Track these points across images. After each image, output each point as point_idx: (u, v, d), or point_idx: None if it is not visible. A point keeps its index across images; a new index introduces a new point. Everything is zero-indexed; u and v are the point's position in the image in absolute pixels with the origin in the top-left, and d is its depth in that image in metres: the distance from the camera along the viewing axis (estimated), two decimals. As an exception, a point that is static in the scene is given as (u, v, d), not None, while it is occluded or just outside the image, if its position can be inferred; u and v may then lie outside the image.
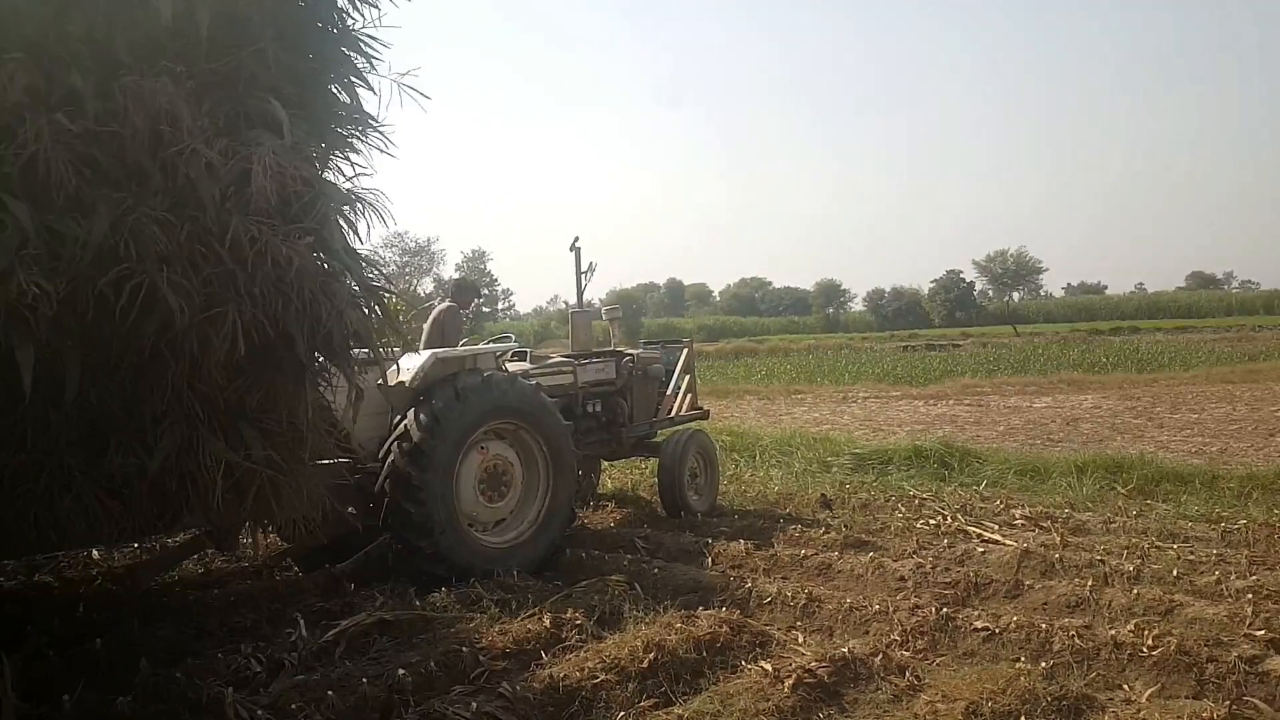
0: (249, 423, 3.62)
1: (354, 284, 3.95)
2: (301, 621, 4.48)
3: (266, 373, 3.59)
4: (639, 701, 3.81)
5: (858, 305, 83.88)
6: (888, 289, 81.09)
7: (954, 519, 6.89)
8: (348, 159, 4.20)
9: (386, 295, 4.66)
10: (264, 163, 3.26)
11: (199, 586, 5.91)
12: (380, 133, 4.24)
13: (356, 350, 4.06)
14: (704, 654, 4.24)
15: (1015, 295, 75.06)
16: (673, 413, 8.15)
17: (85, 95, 3.01)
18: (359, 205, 3.97)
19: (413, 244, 51.63)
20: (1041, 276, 76.96)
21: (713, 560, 6.14)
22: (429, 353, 5.87)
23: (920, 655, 4.41)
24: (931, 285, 77.68)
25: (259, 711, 3.50)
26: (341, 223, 3.87)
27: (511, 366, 6.91)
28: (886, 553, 6.07)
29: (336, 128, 4.13)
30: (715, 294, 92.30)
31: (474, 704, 3.59)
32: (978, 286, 75.18)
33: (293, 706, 3.60)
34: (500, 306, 65.22)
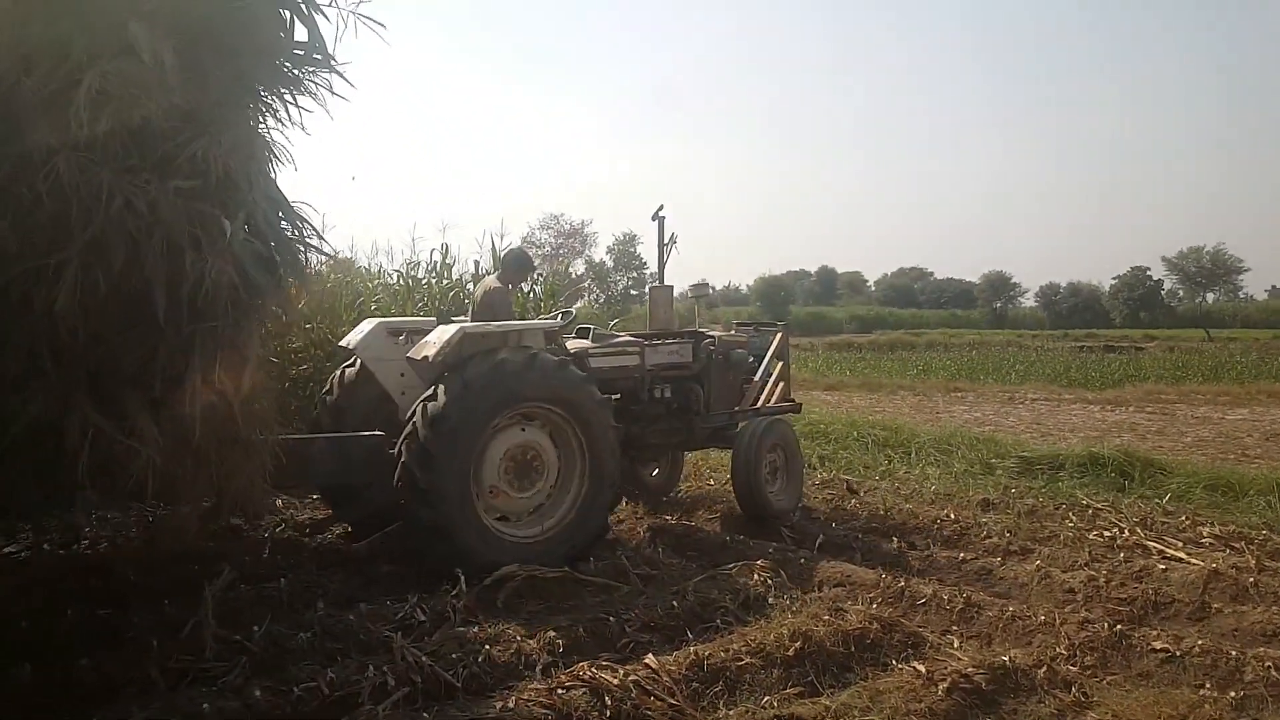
0: (133, 390, 3.27)
1: (262, 239, 3.61)
2: (462, 576, 4.70)
3: (140, 332, 3.21)
4: (784, 688, 3.78)
5: (1028, 300, 79.12)
6: (1063, 284, 76.07)
7: (1132, 532, 6.40)
8: (292, 101, 3.80)
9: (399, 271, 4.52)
10: (91, 89, 2.81)
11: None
12: (339, 73, 3.84)
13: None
14: (852, 649, 4.15)
15: (1209, 296, 68.57)
16: (759, 403, 7.24)
17: None
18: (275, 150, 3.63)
19: (567, 226, 52.94)
20: (1242, 277, 69.83)
21: (863, 555, 5.98)
22: (457, 325, 5.39)
23: (1089, 672, 4.14)
24: (1113, 282, 72.15)
25: (424, 658, 3.71)
26: (251, 171, 3.50)
27: (572, 345, 6.41)
28: (1054, 562, 5.72)
29: (284, 64, 3.75)
30: (870, 283, 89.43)
31: (621, 671, 3.66)
32: (1166, 285, 69.14)
33: (453, 656, 3.80)
34: (647, 289, 66.10)
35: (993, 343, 43.11)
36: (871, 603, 4.80)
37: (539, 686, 3.53)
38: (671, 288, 8.38)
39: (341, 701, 3.46)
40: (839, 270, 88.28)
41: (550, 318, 6.97)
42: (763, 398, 7.24)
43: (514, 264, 7.05)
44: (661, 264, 8.28)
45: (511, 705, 3.33)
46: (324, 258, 12.40)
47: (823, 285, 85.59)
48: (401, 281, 11.72)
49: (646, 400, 6.62)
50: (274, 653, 3.90)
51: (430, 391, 5.08)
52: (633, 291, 59.32)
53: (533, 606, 4.62)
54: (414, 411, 5.05)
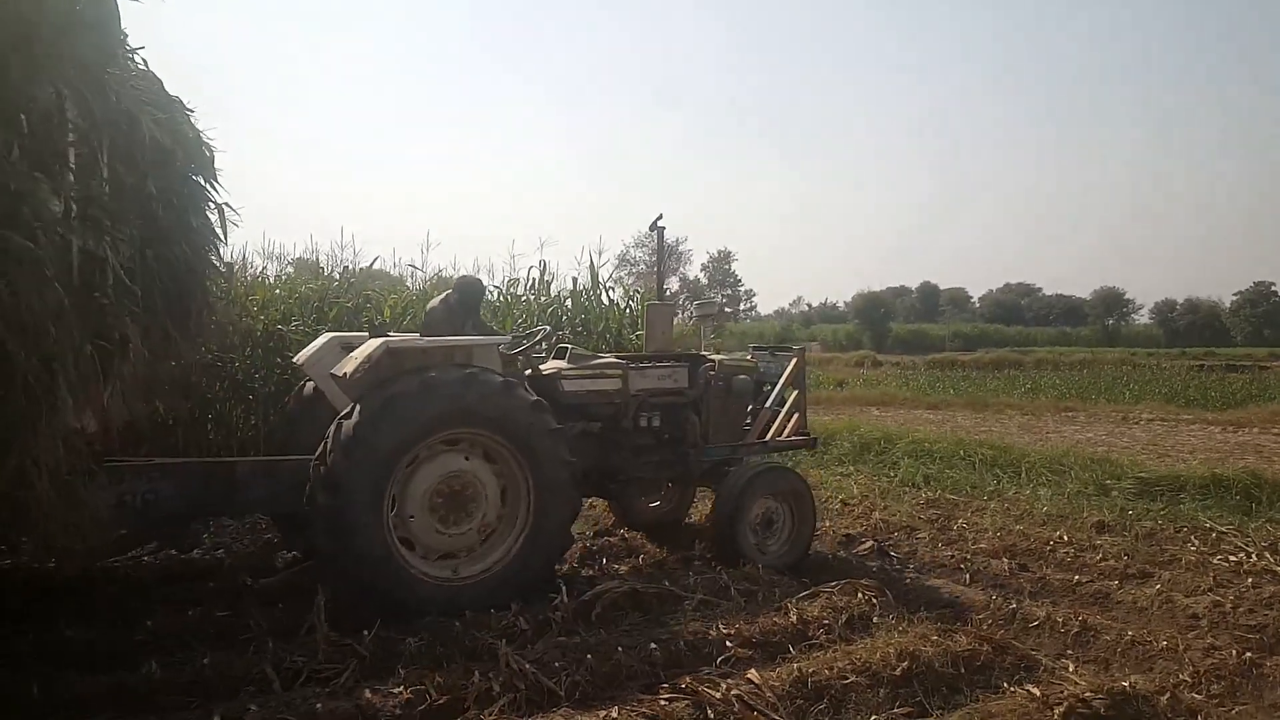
0: None
1: None
2: (564, 588, 4.75)
3: None
4: (891, 707, 3.68)
5: (1142, 317, 75.24)
6: (1180, 300, 72.12)
7: (1261, 558, 5.98)
8: None
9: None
10: None
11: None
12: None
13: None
14: (961, 670, 4.02)
15: (1345, 313, 63.75)
16: (768, 436, 6.42)
17: None
18: None
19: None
20: (1383, 294, 64.72)
21: (971, 577, 5.78)
22: (379, 340, 4.84)
23: (1216, 700, 3.90)
24: (1234, 298, 68.08)
25: (527, 665, 3.76)
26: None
27: (548, 366, 5.92)
28: (1176, 587, 5.41)
29: None
30: (974, 299, 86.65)
31: (724, 685, 3.62)
32: (1293, 301, 64.69)
33: (555, 664, 3.84)
34: (742, 308, 65.59)
35: (1104, 361, 41.02)
36: (981, 624, 4.64)
37: (642, 697, 3.53)
38: (672, 306, 7.80)
39: (448, 706, 3.55)
40: (941, 286, 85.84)
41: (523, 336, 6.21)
42: (773, 429, 6.43)
43: (464, 291, 6.53)
44: (660, 278, 7.96)
45: (615, 715, 3.35)
46: (426, 276, 12.97)
47: (924, 302, 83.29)
48: (501, 298, 12.03)
49: (631, 429, 5.94)
50: (383, 656, 4.02)
51: (347, 410, 4.56)
52: (727, 309, 59.24)
53: (632, 619, 4.62)
54: (329, 432, 4.55)
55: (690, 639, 4.23)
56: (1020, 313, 79.83)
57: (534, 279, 12.05)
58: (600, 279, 12.23)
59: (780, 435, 6.42)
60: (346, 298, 11.07)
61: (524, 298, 11.88)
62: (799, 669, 3.87)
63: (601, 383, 5.83)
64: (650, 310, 7.21)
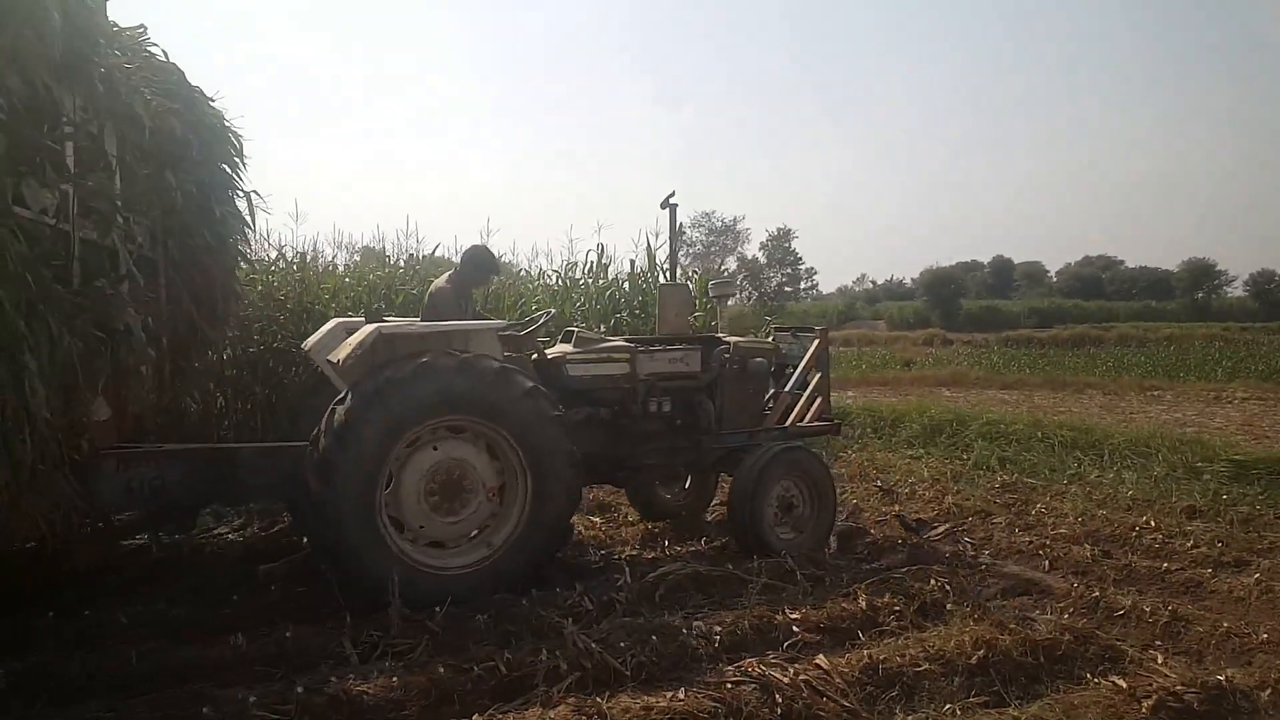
0: None
1: None
2: (627, 569, 4.76)
3: None
4: (967, 696, 3.58)
5: (1236, 290, 71.47)
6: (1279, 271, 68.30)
7: (1370, 546, 5.65)
8: None
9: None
10: None
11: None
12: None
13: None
14: (1041, 660, 3.89)
15: None
16: (788, 421, 6.18)
17: None
18: None
19: (719, 223, 52.70)
20: None
21: (1050, 564, 5.59)
22: (372, 326, 4.76)
23: (1323, 699, 3.67)
24: (1342, 267, 63.99)
25: (593, 644, 3.78)
26: None
27: (553, 351, 5.77)
28: (1276, 576, 5.13)
29: None
30: (1051, 274, 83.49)
31: (792, 670, 3.58)
32: (1406, 269, 60.71)
33: (621, 645, 3.85)
34: (802, 286, 64.47)
35: (1194, 336, 39.25)
36: (1062, 613, 4.48)
37: (708, 679, 3.51)
38: (685, 287, 7.47)
39: (518, 682, 3.58)
40: (1015, 260, 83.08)
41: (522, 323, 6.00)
42: (794, 414, 6.17)
43: (470, 263, 6.39)
44: (673, 257, 7.64)
45: (681, 697, 3.32)
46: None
47: (997, 277, 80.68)
48: (560, 282, 12.08)
49: (640, 415, 5.73)
50: (454, 633, 4.08)
51: (340, 396, 4.52)
52: (787, 288, 58.45)
53: (695, 601, 4.60)
54: (324, 418, 4.52)
55: (755, 623, 4.18)
56: (1101, 287, 76.66)
57: (592, 263, 12.07)
58: (657, 261, 12.19)
59: (801, 420, 6.17)
60: (412, 284, 11.29)
61: (581, 281, 11.92)
62: (869, 655, 3.79)
63: (608, 367, 5.66)
64: (662, 291, 6.97)
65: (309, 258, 11.13)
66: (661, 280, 10.51)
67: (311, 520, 4.48)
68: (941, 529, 6.46)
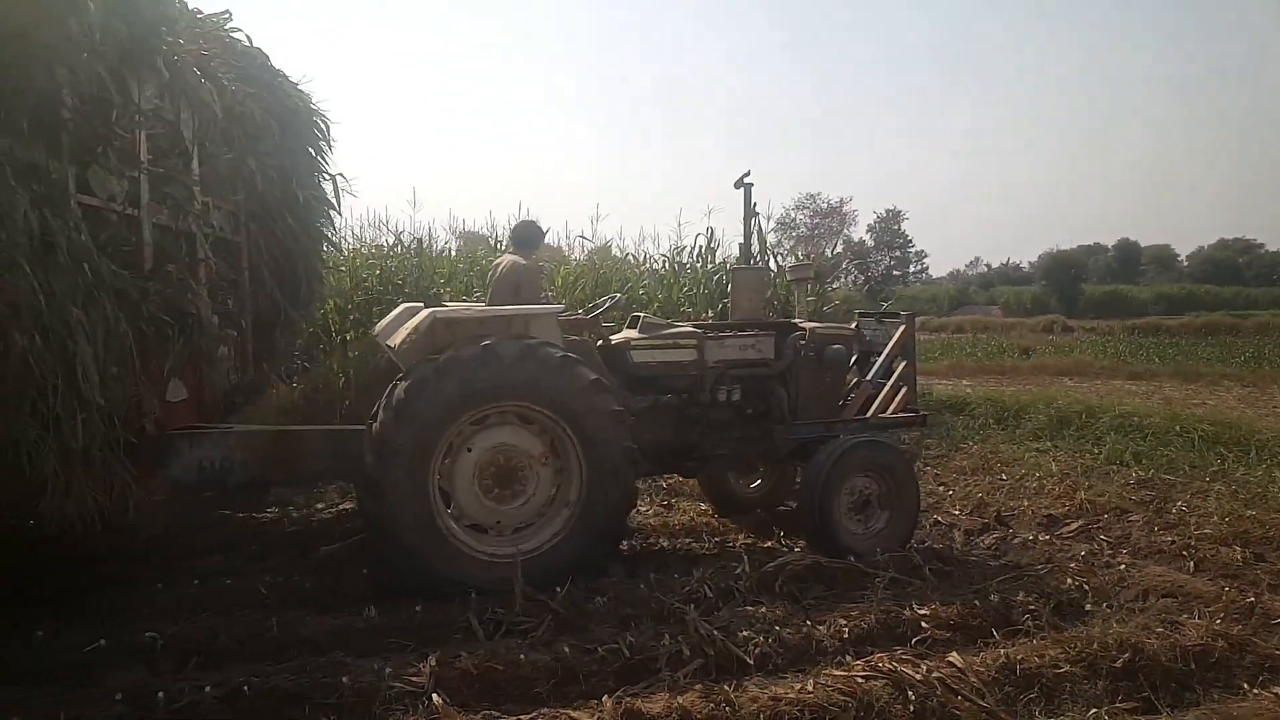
0: None
1: None
2: (745, 558, 4.71)
3: None
4: (1112, 701, 3.40)
5: (1401, 273, 65.43)
6: None
7: None
8: None
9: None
10: None
11: (652, 516, 6.54)
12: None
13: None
14: (1192, 666, 3.68)
15: None
16: (870, 411, 5.81)
17: None
18: None
19: (824, 205, 51.45)
20: None
21: (1196, 565, 5.24)
22: (428, 311, 4.73)
23: None
24: None
25: (715, 632, 3.76)
26: None
27: (618, 337, 5.60)
28: None
29: None
30: (1182, 258, 78.46)
31: (924, 667, 3.47)
32: None
33: (743, 634, 3.81)
34: (911, 269, 62.41)
35: (1345, 325, 36.21)
36: (1213, 618, 4.19)
37: (837, 673, 3.44)
38: (761, 270, 7.13)
39: (640, 665, 3.60)
40: (1142, 244, 78.36)
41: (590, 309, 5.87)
42: (875, 404, 5.81)
43: (538, 239, 6.44)
44: (748, 239, 7.28)
45: (810, 688, 3.27)
46: (595, 246, 13.17)
47: (1122, 261, 76.30)
48: (667, 266, 12.05)
49: (708, 403, 5.56)
50: (574, 614, 4.13)
51: (399, 376, 4.57)
52: (895, 272, 56.79)
53: (817, 592, 4.52)
54: (383, 397, 4.56)
55: (882, 617, 4.08)
56: (1238, 272, 71.58)
57: (700, 247, 12.00)
58: (767, 244, 12.02)
59: (884, 411, 5.79)
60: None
61: (689, 266, 11.86)
62: (1005, 655, 3.65)
63: (674, 353, 5.49)
64: (735, 275, 6.64)
65: (424, 243, 11.50)
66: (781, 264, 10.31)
67: (364, 497, 4.54)
68: (1074, 526, 6.15)
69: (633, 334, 5.57)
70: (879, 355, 5.96)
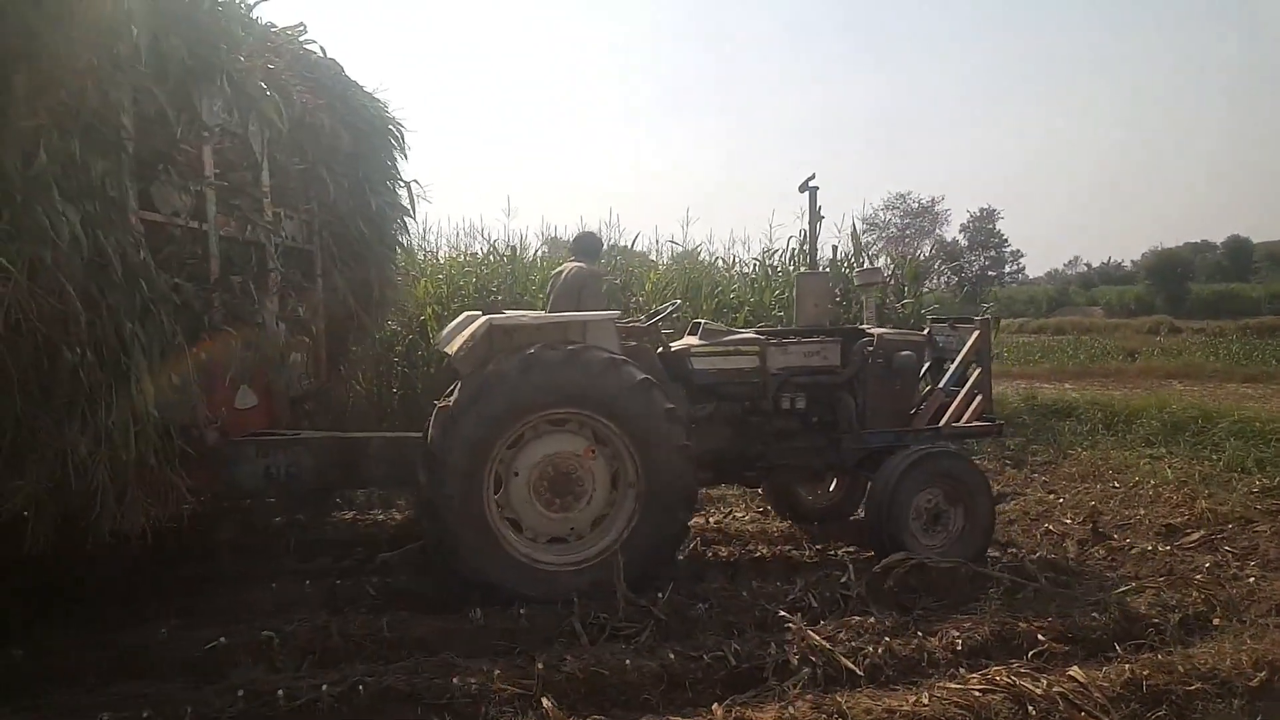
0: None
1: None
2: (851, 566, 4.62)
3: None
4: (1252, 722, 3.20)
5: None
6: None
7: None
8: None
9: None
10: None
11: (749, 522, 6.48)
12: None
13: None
14: (1338, 688, 3.41)
15: None
16: (942, 421, 5.58)
17: None
18: None
19: (915, 205, 50.11)
20: None
21: (1335, 579, 4.90)
22: (484, 318, 4.64)
23: None
24: None
25: (824, 641, 3.69)
26: None
27: (679, 344, 5.49)
28: None
29: None
30: (1301, 254, 73.68)
31: (1044, 681, 3.33)
32: None
33: (852, 644, 3.74)
34: (1007, 270, 60.16)
35: None
36: (1358, 636, 3.90)
37: (951, 685, 3.34)
38: (826, 275, 6.89)
39: (746, 674, 3.57)
40: (1254, 240, 73.93)
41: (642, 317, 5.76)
42: (949, 413, 5.58)
43: (589, 246, 6.57)
44: (812, 245, 7.04)
45: (925, 701, 3.19)
46: (684, 251, 13.20)
47: (1233, 259, 72.02)
48: (758, 270, 11.94)
49: (771, 411, 5.41)
50: (677, 620, 4.12)
51: (449, 390, 4.55)
52: (990, 273, 55.00)
53: (927, 603, 4.39)
54: (433, 411, 4.55)
55: (996, 629, 3.95)
56: (1366, 269, 66.87)
57: (793, 249, 11.84)
58: (864, 246, 11.79)
59: (958, 420, 5.56)
60: (613, 275, 11.54)
61: (781, 269, 11.72)
62: (1130, 670, 3.49)
63: (735, 360, 5.38)
64: (800, 280, 6.46)
65: (517, 250, 11.70)
66: (859, 268, 10.15)
67: (421, 512, 4.57)
68: (1196, 536, 5.82)
69: (693, 341, 5.51)
70: (952, 362, 5.76)
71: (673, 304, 5.91)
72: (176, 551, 5.06)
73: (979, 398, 5.62)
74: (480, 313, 4.99)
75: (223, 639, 3.88)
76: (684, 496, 4.62)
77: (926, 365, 5.92)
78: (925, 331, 6.11)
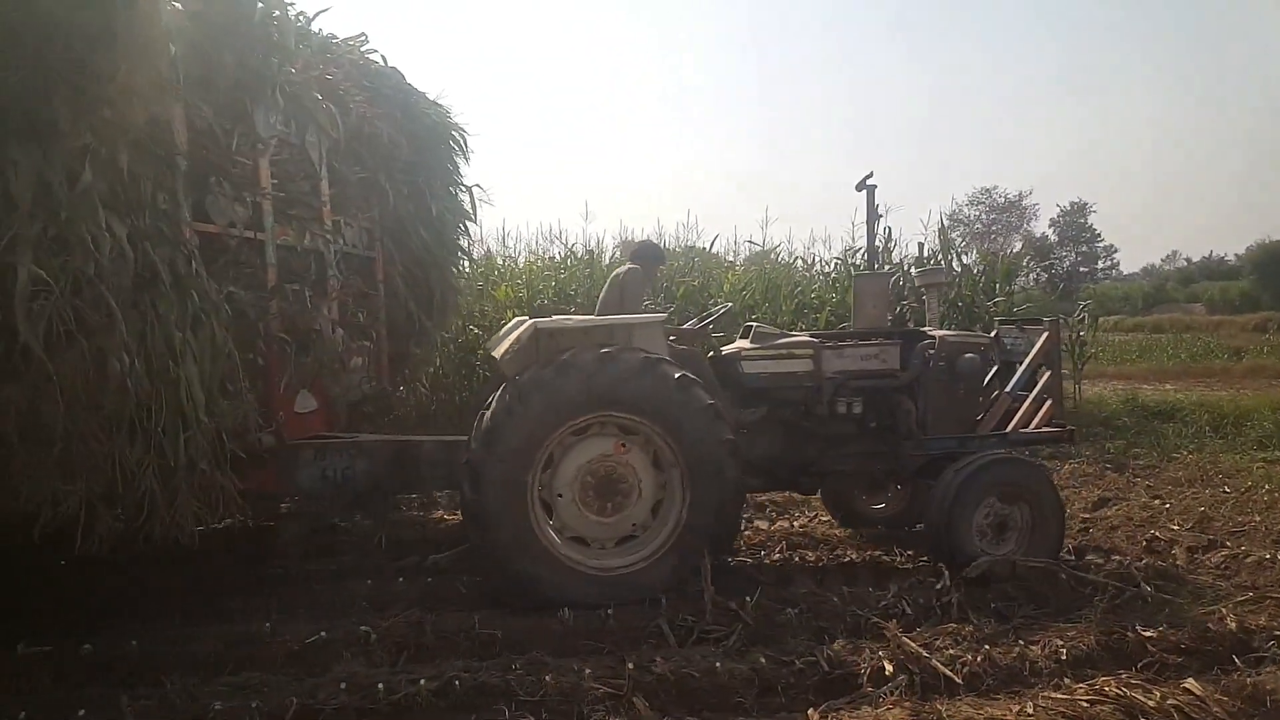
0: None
1: None
2: (946, 572, 4.50)
3: None
4: (1390, 745, 2.98)
5: None
6: None
7: None
8: None
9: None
10: None
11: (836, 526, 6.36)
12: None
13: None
14: None
15: None
16: (1010, 427, 5.32)
17: None
18: None
19: (1001, 200, 48.47)
20: None
21: None
22: (529, 322, 4.64)
23: None
24: None
25: (919, 648, 3.61)
26: None
27: (730, 347, 5.36)
28: None
29: None
30: None
31: (1157, 693, 3.18)
32: None
33: (949, 652, 3.64)
34: (1100, 265, 57.61)
35: None
36: None
37: (1057, 695, 3.21)
38: (886, 276, 6.64)
39: (840, 680, 3.52)
40: (1368, 234, 69.15)
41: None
42: (1016, 418, 5.32)
43: (654, 255, 6.38)
44: (871, 247, 6.78)
45: (1030, 711, 3.08)
46: (763, 251, 13.09)
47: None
48: (838, 269, 11.78)
49: (825, 416, 5.25)
50: (765, 624, 4.08)
51: (491, 397, 4.51)
52: (1082, 269, 52.85)
53: (1027, 610, 4.24)
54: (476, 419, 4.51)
55: (1102, 638, 3.78)
56: None
57: (877, 247, 11.62)
58: (952, 242, 11.51)
59: (1026, 425, 5.30)
60: (692, 277, 11.55)
61: (862, 268, 11.54)
62: (1251, 684, 3.31)
63: (788, 364, 5.23)
64: (858, 282, 6.30)
65: (595, 254, 11.81)
66: (925, 270, 9.93)
67: (466, 519, 4.57)
68: (1318, 545, 5.48)
69: (745, 344, 5.40)
70: (1021, 365, 5.51)
71: (724, 306, 5.80)
72: (270, 548, 5.26)
73: (1049, 402, 5.37)
74: (528, 318, 5.00)
75: (323, 633, 4.00)
76: (730, 491, 4.52)
77: (994, 369, 5.69)
78: (992, 334, 5.89)
